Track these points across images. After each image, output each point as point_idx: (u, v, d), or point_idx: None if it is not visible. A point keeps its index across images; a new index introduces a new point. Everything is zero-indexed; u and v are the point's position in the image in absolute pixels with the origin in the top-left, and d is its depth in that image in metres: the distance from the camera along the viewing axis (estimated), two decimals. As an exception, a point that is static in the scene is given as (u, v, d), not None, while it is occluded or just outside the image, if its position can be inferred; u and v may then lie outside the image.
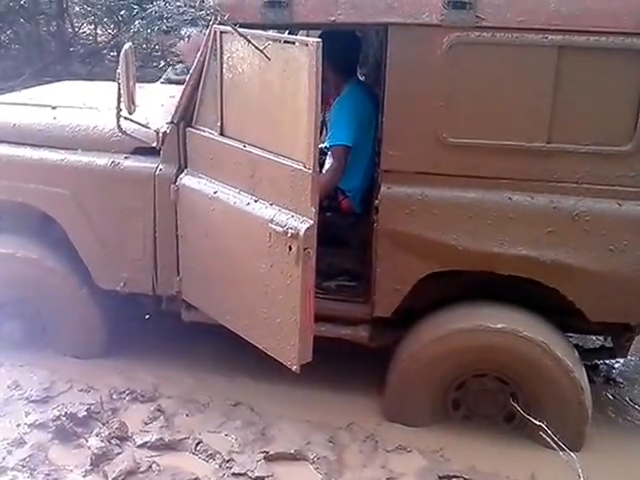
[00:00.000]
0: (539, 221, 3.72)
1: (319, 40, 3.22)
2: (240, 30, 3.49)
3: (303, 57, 3.28)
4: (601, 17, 3.48)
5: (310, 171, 3.37)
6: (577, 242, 3.71)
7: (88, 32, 11.65)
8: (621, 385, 4.84)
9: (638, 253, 3.68)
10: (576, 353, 4.07)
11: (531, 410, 3.94)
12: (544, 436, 3.66)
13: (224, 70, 3.80)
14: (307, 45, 3.25)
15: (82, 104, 4.76)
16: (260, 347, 3.87)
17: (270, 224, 3.55)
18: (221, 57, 3.79)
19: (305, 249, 3.42)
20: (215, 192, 3.92)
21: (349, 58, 4.58)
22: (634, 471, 4.00)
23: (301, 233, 3.41)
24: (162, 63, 10.83)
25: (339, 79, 4.48)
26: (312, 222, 3.42)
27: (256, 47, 3.38)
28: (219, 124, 3.90)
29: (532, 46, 3.55)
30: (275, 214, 3.58)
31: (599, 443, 4.12)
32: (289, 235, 3.45)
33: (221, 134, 3.90)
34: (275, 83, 3.52)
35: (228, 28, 3.62)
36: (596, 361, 4.90)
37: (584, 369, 4.04)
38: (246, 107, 3.75)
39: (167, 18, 8.64)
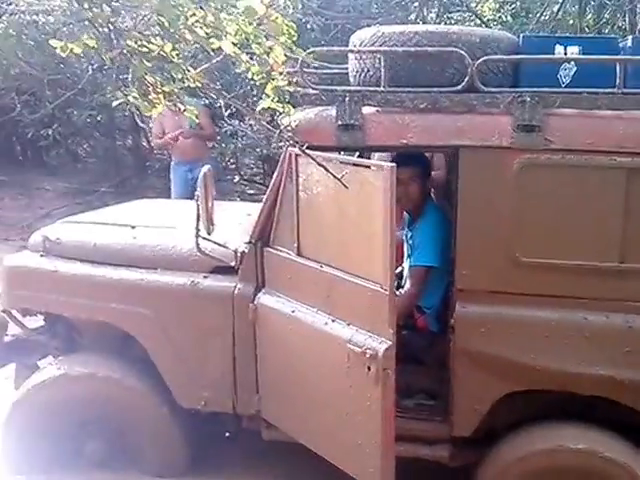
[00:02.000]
0: (615, 340, 3.70)
1: (393, 164, 3.30)
2: (315, 155, 3.56)
3: (378, 181, 3.35)
4: None
5: (387, 292, 3.41)
6: None
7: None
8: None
9: None
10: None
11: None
12: None
13: (300, 191, 3.87)
14: (382, 169, 3.33)
15: (161, 224, 4.86)
16: (341, 468, 3.83)
17: (348, 344, 3.57)
18: (297, 179, 3.86)
19: (384, 369, 3.43)
20: (293, 311, 3.95)
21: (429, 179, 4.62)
22: None
23: (380, 354, 3.43)
24: (237, 178, 11.07)
25: (422, 200, 4.51)
26: (390, 343, 3.44)
27: (334, 176, 3.43)
28: (296, 244, 3.94)
29: (601, 168, 3.59)
30: (353, 334, 3.60)
31: None
32: (368, 356, 3.46)
33: (298, 254, 3.95)
34: (350, 205, 3.59)
35: (305, 151, 3.73)
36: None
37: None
38: (322, 228, 3.82)
39: (242, 136, 8.83)
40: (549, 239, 3.71)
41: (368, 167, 3.53)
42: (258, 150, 9.45)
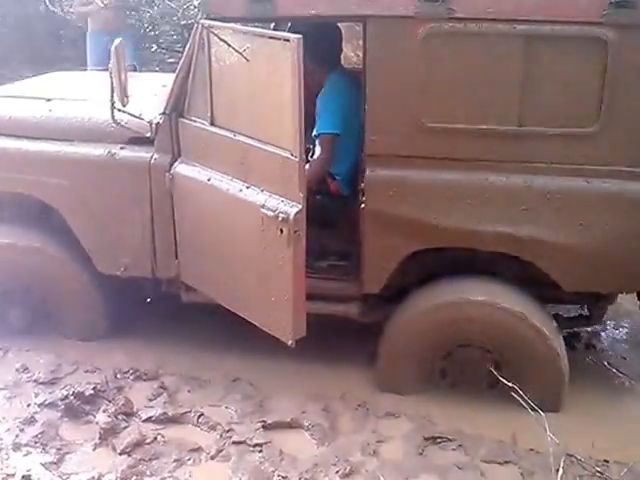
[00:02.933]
0: (514, 200, 3.92)
1: (299, 36, 3.36)
2: (224, 25, 3.65)
3: (285, 52, 3.40)
4: (565, 7, 3.65)
5: (297, 159, 3.52)
6: (549, 219, 3.91)
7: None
8: (600, 351, 5.04)
9: (605, 227, 3.88)
10: (554, 322, 4.28)
11: (514, 376, 4.08)
12: (521, 399, 3.85)
13: (212, 62, 3.92)
14: (289, 41, 3.38)
15: (76, 96, 4.87)
16: (257, 325, 4.04)
17: (262, 209, 3.72)
18: (209, 50, 3.90)
19: (295, 232, 3.60)
20: (209, 179, 4.08)
21: (330, 50, 4.68)
22: (608, 428, 4.21)
23: (291, 217, 3.58)
24: (154, 47, 10.81)
25: (321, 70, 4.57)
26: (301, 206, 3.60)
27: (236, 50, 3.53)
28: (209, 114, 4.03)
29: (501, 36, 3.71)
30: (266, 199, 3.75)
31: (579, 404, 4.32)
32: (280, 219, 3.62)
33: (212, 124, 4.04)
34: (260, 76, 3.66)
35: (215, 23, 3.78)
36: (577, 329, 5.08)
37: (561, 336, 4.26)
38: (234, 98, 3.89)
39: (159, 5, 8.61)
40: (452, 105, 3.86)
41: (275, 39, 3.56)
42: (175, 18, 9.25)
